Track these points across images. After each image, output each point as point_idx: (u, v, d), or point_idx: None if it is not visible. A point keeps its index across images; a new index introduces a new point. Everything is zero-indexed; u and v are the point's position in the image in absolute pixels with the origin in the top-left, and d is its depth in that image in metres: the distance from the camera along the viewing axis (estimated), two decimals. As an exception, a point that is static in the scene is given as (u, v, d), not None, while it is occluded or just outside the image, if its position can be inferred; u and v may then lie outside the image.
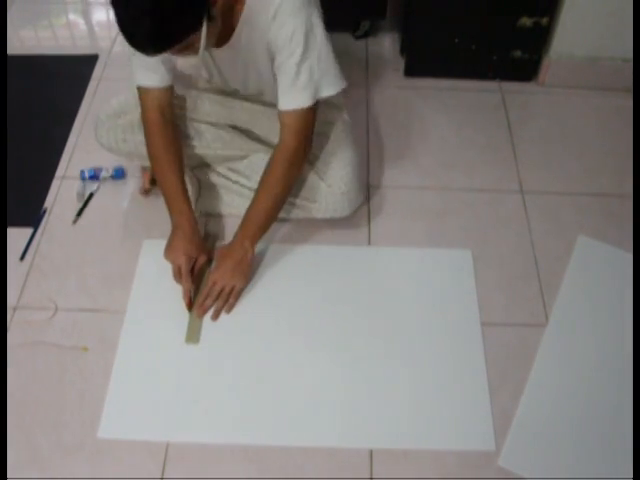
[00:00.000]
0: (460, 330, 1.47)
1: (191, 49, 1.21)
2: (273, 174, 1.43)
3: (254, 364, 1.40)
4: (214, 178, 1.69)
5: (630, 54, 1.97)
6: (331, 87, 1.38)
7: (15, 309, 1.49)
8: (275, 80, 1.38)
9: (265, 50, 1.33)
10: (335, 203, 1.54)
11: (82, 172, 1.76)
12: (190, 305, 1.46)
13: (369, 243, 1.64)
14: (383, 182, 1.80)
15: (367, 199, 1.73)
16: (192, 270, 1.47)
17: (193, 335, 1.43)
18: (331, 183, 1.53)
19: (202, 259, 1.49)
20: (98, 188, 1.74)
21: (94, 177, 1.76)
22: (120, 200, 1.73)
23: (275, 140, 1.44)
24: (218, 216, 1.68)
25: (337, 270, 1.57)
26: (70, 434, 1.29)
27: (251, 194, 1.64)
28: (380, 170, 1.83)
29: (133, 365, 1.38)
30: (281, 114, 1.39)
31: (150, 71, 1.41)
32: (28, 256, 1.60)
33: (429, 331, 1.47)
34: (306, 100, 1.36)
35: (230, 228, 1.65)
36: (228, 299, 1.46)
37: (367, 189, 1.76)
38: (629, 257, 1.59)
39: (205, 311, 1.45)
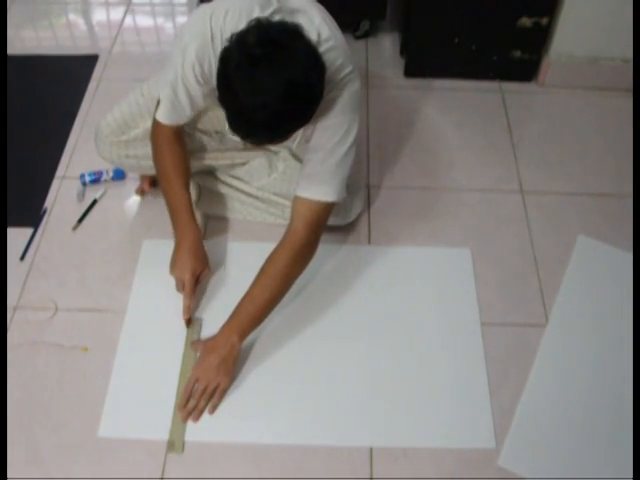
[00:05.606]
0: (460, 329, 1.47)
1: (287, 139, 1.19)
2: (274, 265, 1.34)
3: (252, 363, 1.39)
4: (214, 184, 1.68)
5: (630, 54, 1.97)
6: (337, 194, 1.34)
7: (15, 309, 1.49)
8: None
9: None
10: (340, 214, 1.57)
11: (82, 176, 1.74)
12: (189, 321, 1.42)
13: (369, 242, 1.65)
14: (383, 182, 1.79)
15: (367, 199, 1.73)
16: (196, 281, 1.43)
17: (176, 442, 1.28)
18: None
19: (206, 272, 1.45)
20: (104, 193, 1.73)
21: (95, 181, 1.75)
22: (120, 201, 1.73)
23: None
24: (218, 217, 1.68)
25: (337, 269, 1.57)
26: (70, 434, 1.29)
27: (249, 199, 1.65)
28: (380, 170, 1.83)
29: (133, 365, 1.38)
30: (297, 200, 1.34)
31: (175, 112, 1.36)
32: (28, 256, 1.60)
33: (429, 330, 1.47)
34: (327, 194, 1.32)
35: (229, 230, 1.66)
36: (211, 398, 1.33)
37: (367, 189, 1.76)
38: (629, 257, 1.59)
39: (189, 414, 1.31)
